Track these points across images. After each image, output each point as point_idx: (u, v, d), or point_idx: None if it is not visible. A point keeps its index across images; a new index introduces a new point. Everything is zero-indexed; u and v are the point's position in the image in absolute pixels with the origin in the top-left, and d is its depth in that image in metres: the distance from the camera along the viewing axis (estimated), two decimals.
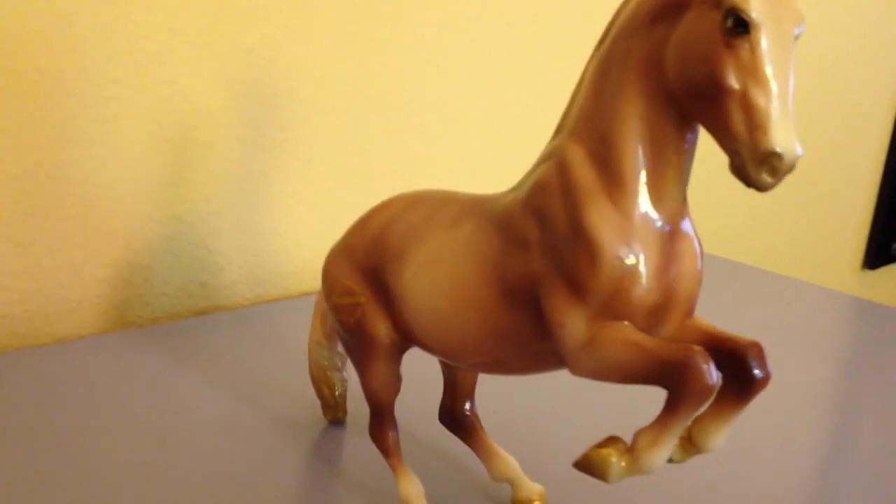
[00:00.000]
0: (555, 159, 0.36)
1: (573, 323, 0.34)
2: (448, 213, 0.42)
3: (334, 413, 0.55)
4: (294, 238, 0.80)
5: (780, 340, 0.76)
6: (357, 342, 0.45)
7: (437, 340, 0.41)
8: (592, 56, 0.36)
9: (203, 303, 0.75)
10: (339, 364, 0.53)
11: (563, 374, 0.50)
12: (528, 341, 0.37)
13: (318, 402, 0.56)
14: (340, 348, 0.55)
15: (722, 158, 0.32)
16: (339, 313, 0.46)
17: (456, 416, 0.49)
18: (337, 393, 0.54)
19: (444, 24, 0.85)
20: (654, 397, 0.36)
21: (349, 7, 0.78)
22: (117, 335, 0.65)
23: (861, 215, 1.58)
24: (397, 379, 0.45)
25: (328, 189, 0.81)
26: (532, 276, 0.36)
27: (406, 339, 0.44)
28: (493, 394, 0.60)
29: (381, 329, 0.44)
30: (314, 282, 0.82)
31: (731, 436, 0.56)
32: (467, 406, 0.49)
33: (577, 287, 0.34)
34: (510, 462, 0.47)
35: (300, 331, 0.68)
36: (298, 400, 0.57)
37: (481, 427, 0.48)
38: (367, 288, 0.44)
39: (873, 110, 1.51)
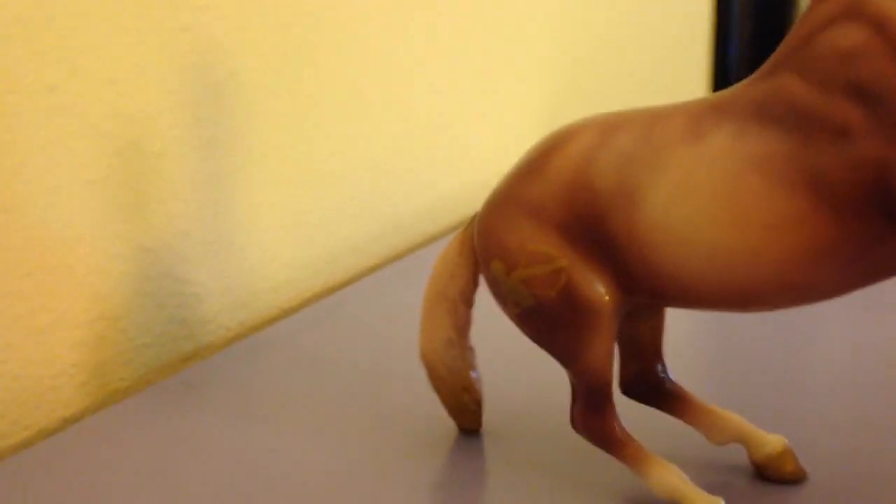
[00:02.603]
0: (859, 19, 0.29)
1: None
2: (673, 128, 0.34)
3: (474, 420, 0.45)
4: (267, 248, 0.68)
5: None
6: (564, 315, 0.36)
7: (712, 285, 0.33)
8: None
9: (187, 344, 0.62)
10: (474, 362, 0.44)
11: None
12: (859, 254, 0.30)
13: (434, 413, 0.46)
14: (471, 343, 0.45)
15: None
16: (530, 288, 0.37)
17: (650, 383, 0.41)
18: (479, 397, 0.44)
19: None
20: None
21: None
22: (113, 412, 0.51)
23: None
24: (613, 349, 0.37)
25: (295, 186, 0.70)
26: (867, 168, 0.29)
27: (636, 293, 0.35)
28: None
29: (598, 289, 0.35)
30: (293, 294, 0.71)
31: None
32: (659, 368, 0.41)
33: None
34: (735, 419, 0.40)
35: (317, 347, 0.57)
36: (396, 419, 0.47)
37: (684, 388, 0.41)
38: (568, 246, 0.36)
39: None
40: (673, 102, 0.36)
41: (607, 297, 0.36)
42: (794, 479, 0.39)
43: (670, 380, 0.41)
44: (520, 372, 0.52)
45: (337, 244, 0.75)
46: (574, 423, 0.39)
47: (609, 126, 0.36)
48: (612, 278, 0.35)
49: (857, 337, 0.55)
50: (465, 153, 0.92)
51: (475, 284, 0.42)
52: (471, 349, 0.44)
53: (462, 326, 0.43)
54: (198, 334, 0.63)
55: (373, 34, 0.77)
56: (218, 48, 0.62)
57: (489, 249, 0.38)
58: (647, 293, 0.35)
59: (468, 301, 0.42)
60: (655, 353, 0.41)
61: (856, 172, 0.29)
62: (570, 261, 0.36)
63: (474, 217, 0.42)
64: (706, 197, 0.32)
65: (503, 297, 0.38)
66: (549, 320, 0.37)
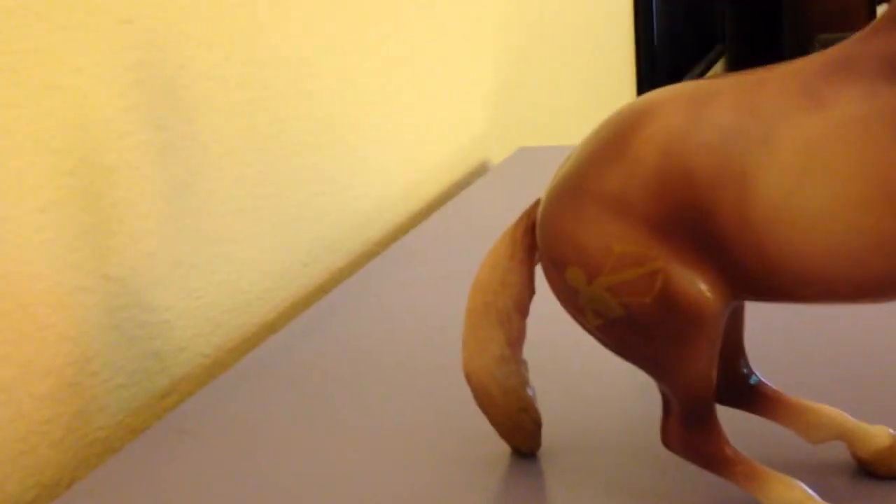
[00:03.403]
0: None
1: None
2: (782, 95, 0.29)
3: (532, 441, 0.40)
4: (238, 259, 0.61)
5: None
6: (663, 324, 0.31)
7: (843, 275, 0.28)
8: None
9: (162, 379, 0.55)
10: (528, 376, 0.39)
11: None
12: None
13: (475, 431, 0.41)
14: (526, 357, 0.40)
15: None
16: (619, 296, 0.31)
17: (737, 384, 0.37)
18: (538, 416, 0.39)
19: None
20: None
21: None
22: (103, 474, 0.44)
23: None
24: (717, 357, 0.32)
25: (261, 186, 0.63)
26: None
27: (745, 291, 0.31)
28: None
29: (702, 291, 0.31)
30: (270, 306, 0.64)
31: None
32: (743, 365, 0.37)
33: None
34: (834, 413, 0.36)
35: (311, 363, 0.51)
36: (432, 440, 0.41)
37: (771, 386, 0.37)
38: (662, 244, 0.31)
39: None
40: (765, 66, 0.31)
41: (712, 299, 0.31)
42: None
43: (757, 377, 0.37)
44: (568, 380, 0.47)
45: (310, 245, 0.69)
46: (668, 440, 0.34)
47: (697, 97, 0.31)
48: (718, 276, 0.31)
49: None
50: (426, 136, 0.86)
51: (531, 291, 0.37)
52: (524, 363, 0.38)
53: (516, 340, 0.37)
54: (172, 366, 0.55)
55: (328, 17, 0.70)
56: (164, 40, 0.55)
57: (562, 255, 0.33)
58: (758, 290, 0.30)
59: (523, 311, 0.37)
60: (737, 351, 0.37)
61: None
62: (667, 261, 0.31)
63: (528, 213, 0.36)
64: (841, 173, 0.28)
65: (579, 308, 0.33)
66: (643, 331, 0.32)
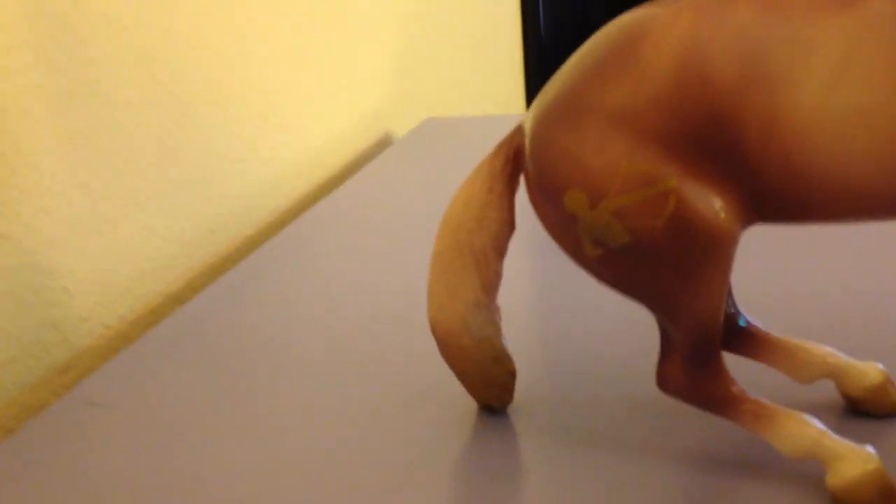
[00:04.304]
0: None
1: None
2: None
3: (503, 395, 0.37)
4: (143, 222, 0.55)
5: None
6: (673, 251, 0.29)
7: (880, 186, 0.27)
8: None
9: (61, 352, 0.48)
10: (501, 324, 0.35)
11: None
12: None
13: (451, 392, 0.37)
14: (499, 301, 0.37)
15: None
16: (626, 220, 0.29)
17: (725, 325, 0.35)
18: (513, 367, 0.36)
19: None
20: None
21: None
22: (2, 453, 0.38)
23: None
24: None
25: (165, 143, 0.57)
26: None
27: (766, 211, 0.28)
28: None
29: (719, 212, 0.28)
30: (178, 274, 0.58)
31: None
32: (732, 308, 0.35)
33: None
34: (824, 352, 0.34)
35: (235, 332, 0.46)
36: (383, 403, 0.37)
37: (759, 326, 0.35)
38: (676, 161, 0.28)
39: None
40: None
41: (729, 222, 0.28)
42: None
43: (745, 318, 0.35)
44: (539, 328, 0.44)
45: (217, 211, 0.63)
46: (667, 384, 0.31)
47: (713, 2, 0.28)
48: (736, 196, 0.28)
49: None
50: (329, 104, 0.82)
51: (511, 228, 0.34)
52: (498, 310, 0.35)
53: (492, 283, 0.34)
54: (73, 338, 0.49)
55: None
56: None
57: (561, 178, 0.29)
58: (779, 209, 0.28)
59: (501, 250, 0.34)
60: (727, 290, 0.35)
61: None
62: (681, 179, 0.28)
63: (509, 141, 0.33)
64: (877, 73, 0.26)
65: (576, 238, 0.30)
66: (650, 259, 0.29)
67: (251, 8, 0.68)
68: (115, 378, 0.42)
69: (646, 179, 0.28)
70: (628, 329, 0.43)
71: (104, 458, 0.36)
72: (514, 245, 0.55)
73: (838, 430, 0.34)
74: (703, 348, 0.30)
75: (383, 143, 0.95)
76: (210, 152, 0.62)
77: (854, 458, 0.29)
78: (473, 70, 1.28)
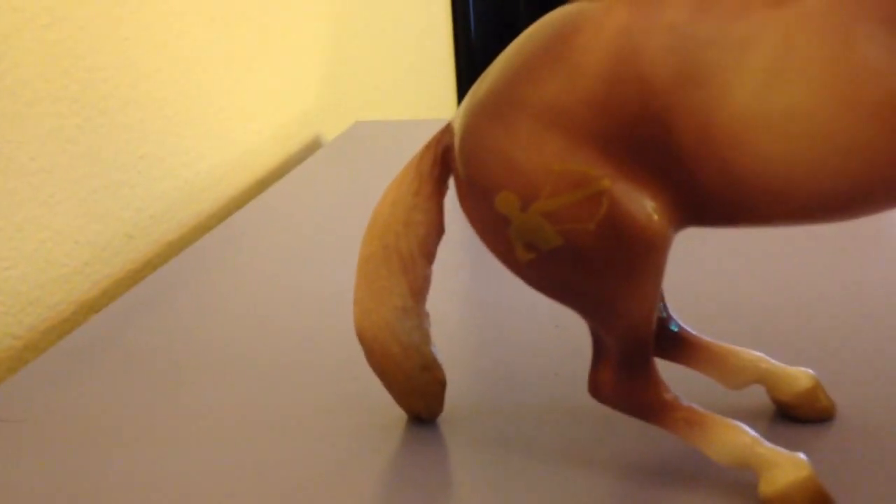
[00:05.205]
0: None
1: None
2: None
3: (433, 405, 0.35)
4: (54, 226, 0.52)
5: None
6: (605, 254, 0.28)
7: (817, 188, 0.26)
8: None
9: None
10: (430, 331, 0.34)
11: None
12: None
13: (380, 403, 0.36)
14: (427, 307, 0.35)
15: None
16: (558, 223, 0.28)
17: (657, 331, 0.34)
18: (443, 376, 0.35)
19: None
20: None
21: None
22: None
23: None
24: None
25: (77, 142, 0.54)
26: None
27: (701, 214, 0.28)
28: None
29: (652, 215, 0.27)
30: (93, 281, 0.55)
31: None
32: (664, 313, 0.34)
33: None
34: (755, 357, 0.34)
35: (149, 340, 0.44)
36: (309, 413, 0.36)
37: (691, 331, 0.34)
38: (610, 161, 0.27)
39: None
40: None
41: (662, 223, 0.28)
42: (827, 415, 0.34)
43: (677, 324, 0.34)
44: (469, 335, 0.43)
45: (136, 215, 0.60)
46: (599, 391, 0.31)
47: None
48: (670, 198, 0.27)
49: (853, 267, 0.51)
50: (256, 105, 0.79)
51: (440, 231, 0.32)
52: (427, 316, 0.34)
53: (420, 288, 0.33)
54: None
55: None
56: None
57: (492, 179, 0.28)
58: (718, 212, 0.28)
59: (430, 255, 0.32)
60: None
61: None
62: (614, 180, 0.27)
63: (437, 141, 0.32)
64: (811, 73, 0.25)
65: (508, 241, 0.29)
66: (583, 263, 0.28)
67: (176, 4, 0.66)
68: (22, 392, 0.40)
69: (578, 181, 0.27)
70: (560, 335, 0.42)
71: (11, 477, 0.33)
72: (445, 248, 0.54)
73: (769, 436, 0.33)
74: (635, 354, 0.29)
75: (312, 147, 0.93)
76: (129, 153, 0.60)
77: (786, 466, 0.28)
78: (405, 73, 1.27)
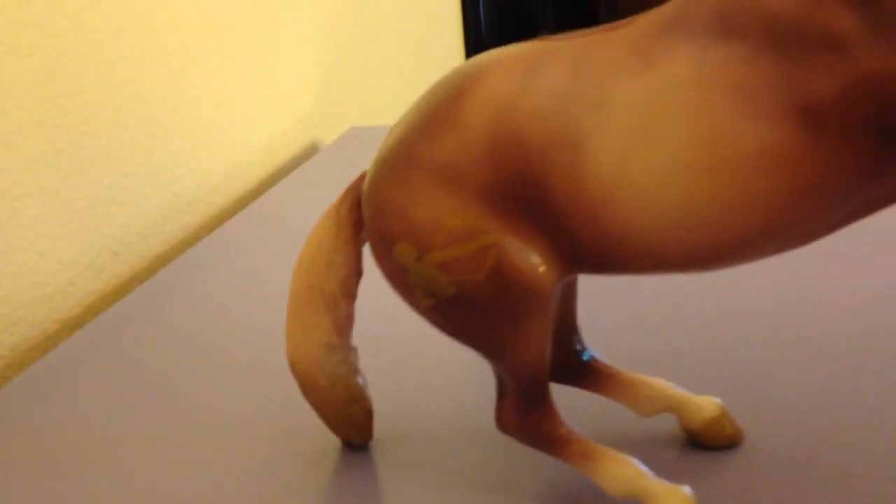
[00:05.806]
0: None
1: None
2: (614, 56, 0.28)
3: (362, 433, 0.37)
4: (31, 248, 0.55)
5: None
6: (495, 302, 0.30)
7: (681, 244, 0.28)
8: None
9: None
10: (357, 364, 0.36)
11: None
12: (854, 186, 0.26)
13: (311, 427, 0.38)
14: (354, 343, 0.37)
15: None
16: (451, 273, 0.29)
17: (569, 361, 0.36)
18: (369, 406, 0.37)
19: None
20: None
21: None
22: None
23: None
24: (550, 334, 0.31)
25: (59, 166, 0.57)
26: (864, 84, 0.25)
27: (581, 264, 0.29)
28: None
29: (534, 263, 0.29)
30: (76, 300, 0.58)
31: None
32: (577, 344, 0.36)
33: None
34: (664, 386, 0.36)
35: (124, 361, 0.46)
36: (258, 437, 0.38)
37: (603, 361, 0.36)
38: (495, 216, 0.29)
39: None
40: (602, 25, 0.30)
41: (546, 274, 0.29)
42: (733, 442, 0.36)
43: (590, 353, 0.36)
44: (398, 367, 0.45)
45: (122, 232, 0.63)
46: (503, 423, 0.33)
47: (528, 60, 0.29)
48: (552, 250, 0.29)
49: (769, 287, 0.52)
50: (250, 115, 0.82)
51: (359, 272, 0.34)
52: (354, 350, 0.36)
53: (343, 326, 0.35)
54: None
55: None
56: None
57: (390, 230, 0.30)
58: (592, 262, 0.29)
59: (351, 294, 0.35)
60: (571, 327, 0.36)
61: (851, 90, 0.25)
62: (500, 234, 0.29)
63: (353, 188, 0.34)
64: (672, 138, 0.27)
65: (409, 288, 0.31)
66: (476, 310, 0.30)
67: (162, 23, 0.68)
68: (4, 408, 0.43)
69: (467, 234, 0.29)
70: (485, 364, 0.44)
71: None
72: (371, 280, 0.55)
73: (679, 464, 0.35)
74: (530, 392, 0.31)
75: (309, 152, 0.96)
76: (114, 172, 0.62)
77: (670, 498, 0.30)
78: (400, 78, 1.28)
